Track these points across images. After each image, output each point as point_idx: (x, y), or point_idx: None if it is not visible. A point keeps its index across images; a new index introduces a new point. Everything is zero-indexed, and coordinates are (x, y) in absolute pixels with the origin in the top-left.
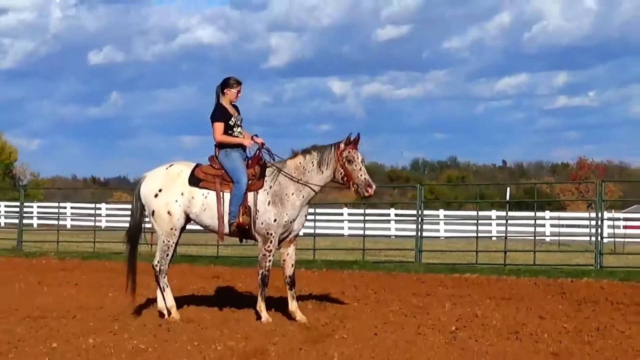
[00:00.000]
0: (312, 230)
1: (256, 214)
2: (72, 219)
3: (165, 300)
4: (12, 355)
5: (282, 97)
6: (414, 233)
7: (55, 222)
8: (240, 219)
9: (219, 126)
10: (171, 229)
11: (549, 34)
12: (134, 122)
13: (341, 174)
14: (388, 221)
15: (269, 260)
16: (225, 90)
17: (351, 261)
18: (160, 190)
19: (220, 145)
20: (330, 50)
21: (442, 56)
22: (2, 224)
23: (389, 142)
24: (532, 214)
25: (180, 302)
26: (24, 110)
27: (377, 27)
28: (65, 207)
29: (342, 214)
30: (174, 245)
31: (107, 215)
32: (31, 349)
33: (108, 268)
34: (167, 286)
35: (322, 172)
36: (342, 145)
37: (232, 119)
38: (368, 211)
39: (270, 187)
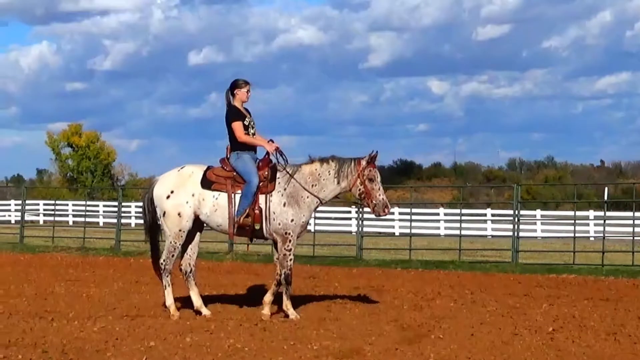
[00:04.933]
0: (408, 230)
1: (271, 215)
2: None
3: (166, 298)
4: (110, 354)
5: (380, 97)
6: (510, 233)
7: None
8: (241, 220)
9: (240, 125)
10: (179, 230)
11: None
12: None
13: (360, 190)
14: (484, 221)
15: (290, 260)
16: (235, 92)
17: (447, 261)
18: (172, 192)
19: (234, 147)
20: (430, 50)
21: (542, 55)
22: (101, 224)
23: (485, 142)
24: (630, 214)
25: (277, 301)
26: (123, 111)
27: (478, 26)
28: None
29: (438, 214)
30: (180, 246)
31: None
32: (129, 347)
33: (205, 267)
34: (169, 285)
35: (337, 182)
36: (363, 163)
37: (246, 120)
38: (464, 211)
39: (285, 189)
